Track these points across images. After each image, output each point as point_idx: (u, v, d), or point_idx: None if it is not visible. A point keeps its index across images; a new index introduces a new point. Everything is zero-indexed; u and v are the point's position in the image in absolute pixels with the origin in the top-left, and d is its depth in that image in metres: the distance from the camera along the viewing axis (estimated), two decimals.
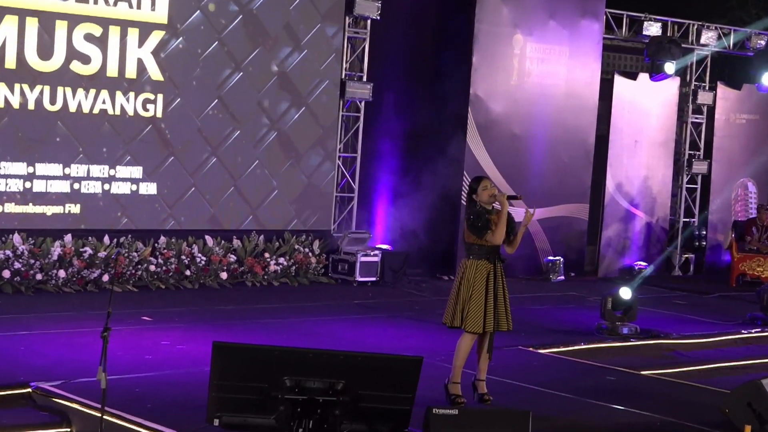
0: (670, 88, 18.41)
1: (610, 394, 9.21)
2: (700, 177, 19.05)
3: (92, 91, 13.17)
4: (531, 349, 11.07)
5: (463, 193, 14.79)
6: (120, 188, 13.49)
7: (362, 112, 15.54)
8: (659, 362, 11.20)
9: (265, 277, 14.37)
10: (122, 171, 13.50)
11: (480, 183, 8.57)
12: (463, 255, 8.64)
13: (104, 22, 13.20)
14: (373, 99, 15.38)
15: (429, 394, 8.09)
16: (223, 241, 14.15)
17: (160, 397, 8.08)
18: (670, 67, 17.66)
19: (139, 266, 13.35)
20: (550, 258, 16.88)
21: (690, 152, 18.91)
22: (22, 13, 12.66)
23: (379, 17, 15.24)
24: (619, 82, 17.87)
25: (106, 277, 12.94)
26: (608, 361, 10.88)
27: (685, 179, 18.92)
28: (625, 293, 12.21)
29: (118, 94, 13.38)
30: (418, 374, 5.31)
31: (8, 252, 12.54)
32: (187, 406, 7.74)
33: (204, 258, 13.86)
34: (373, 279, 14.95)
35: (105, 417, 6.75)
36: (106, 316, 6.26)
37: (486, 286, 8.37)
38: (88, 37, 13.11)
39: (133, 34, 13.42)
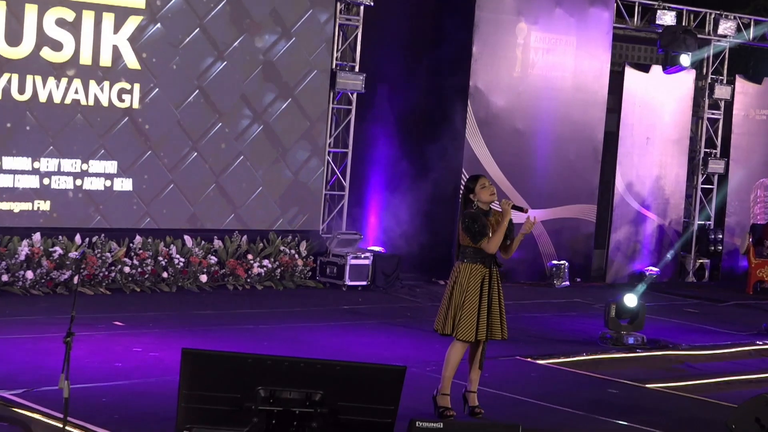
0: (685, 81, 18.45)
1: (612, 408, 9.24)
2: (716, 177, 19.08)
3: (64, 80, 13.21)
4: (529, 359, 11.10)
5: (461, 192, 14.82)
6: (93, 184, 13.54)
7: (354, 104, 15.59)
8: (666, 375, 11.22)
9: (248, 280, 14.41)
10: (95, 165, 13.54)
11: (477, 181, 8.62)
12: None
13: (77, 7, 13.24)
14: (365, 91, 15.41)
15: (417, 406, 8.16)
16: (203, 242, 14.18)
17: (129, 408, 8.11)
18: (685, 59, 17.67)
19: (113, 267, 13.39)
20: (555, 262, 16.92)
21: (706, 150, 18.95)
22: None
23: (372, 3, 15.27)
24: (630, 75, 17.92)
25: (77, 279, 12.99)
26: (611, 373, 10.91)
27: (701, 179, 18.95)
28: (630, 300, 12.24)
29: (92, 84, 13.42)
30: (401, 385, 5.33)
31: None
32: (156, 418, 7.78)
33: (182, 259, 13.90)
34: (364, 283, 14.99)
35: (67, 428, 6.79)
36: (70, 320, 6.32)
37: (480, 292, 8.41)
38: (60, 22, 13.15)
39: (108, 19, 13.46)
